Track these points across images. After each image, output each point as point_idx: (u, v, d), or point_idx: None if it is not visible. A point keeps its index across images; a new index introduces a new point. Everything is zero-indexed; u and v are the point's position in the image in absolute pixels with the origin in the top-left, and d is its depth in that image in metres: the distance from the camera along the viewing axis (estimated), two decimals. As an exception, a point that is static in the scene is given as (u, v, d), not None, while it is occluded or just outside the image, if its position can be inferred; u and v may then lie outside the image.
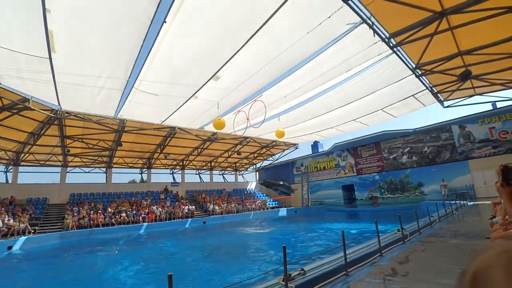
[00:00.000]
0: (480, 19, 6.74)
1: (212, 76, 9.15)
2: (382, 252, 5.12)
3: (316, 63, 9.22)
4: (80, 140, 17.18)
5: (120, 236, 15.15)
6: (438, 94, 12.83)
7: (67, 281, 6.91)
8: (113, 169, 23.34)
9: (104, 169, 23.06)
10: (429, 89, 12.14)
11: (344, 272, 4.10)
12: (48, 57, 7.49)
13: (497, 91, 12.50)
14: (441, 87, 11.90)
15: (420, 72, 10.22)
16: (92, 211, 17.59)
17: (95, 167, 22.67)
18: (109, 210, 18.20)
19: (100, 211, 17.77)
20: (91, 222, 16.54)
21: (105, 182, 22.90)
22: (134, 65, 8.21)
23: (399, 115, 16.12)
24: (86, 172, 22.62)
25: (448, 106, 14.26)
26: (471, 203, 14.34)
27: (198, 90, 10.20)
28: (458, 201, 13.45)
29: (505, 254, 0.27)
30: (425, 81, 11.39)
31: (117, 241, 13.45)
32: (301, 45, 7.81)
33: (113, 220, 17.37)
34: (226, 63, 8.38)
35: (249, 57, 8.32)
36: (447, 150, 19.52)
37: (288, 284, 3.23)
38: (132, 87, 9.69)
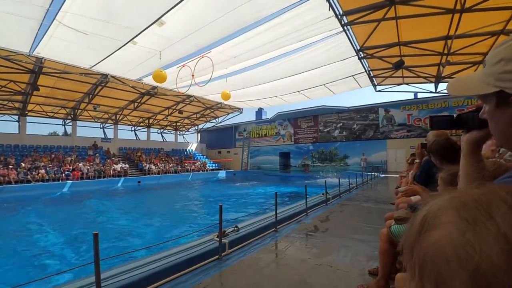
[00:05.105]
0: (421, 15, 7.40)
1: (156, 20, 8.11)
2: (308, 212, 5.74)
3: (269, 26, 8.97)
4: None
5: (39, 195, 13.43)
6: (374, 78, 14.08)
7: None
8: (28, 117, 19.85)
9: (16, 117, 19.44)
10: (367, 72, 13.19)
11: (274, 229, 4.47)
12: None
13: (420, 83, 14.33)
14: (377, 72, 13.06)
15: (362, 55, 10.92)
16: (1, 166, 15.03)
17: (4, 114, 18.92)
18: (23, 165, 15.78)
19: (11, 166, 15.29)
20: (1, 178, 14.22)
21: (17, 132, 19.48)
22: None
23: (338, 92, 17.30)
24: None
25: (379, 91, 15.85)
26: (383, 175, 16.97)
27: (138, 35, 9.00)
28: (373, 173, 15.74)
29: (458, 198, 0.28)
30: (365, 64, 12.29)
31: (36, 200, 11.91)
32: (258, 2, 7.42)
33: (29, 176, 15.20)
34: (173, 7, 7.44)
35: (201, 5, 7.55)
36: (372, 129, 22.29)
37: (222, 240, 3.37)
38: (54, 19, 7.97)
